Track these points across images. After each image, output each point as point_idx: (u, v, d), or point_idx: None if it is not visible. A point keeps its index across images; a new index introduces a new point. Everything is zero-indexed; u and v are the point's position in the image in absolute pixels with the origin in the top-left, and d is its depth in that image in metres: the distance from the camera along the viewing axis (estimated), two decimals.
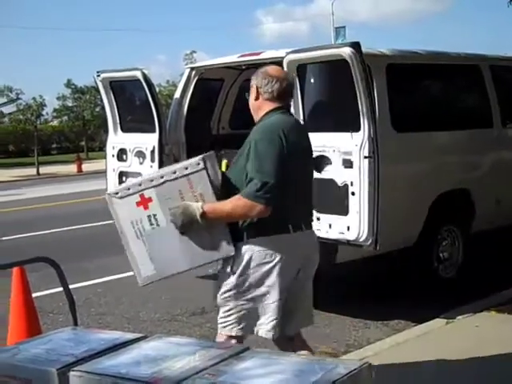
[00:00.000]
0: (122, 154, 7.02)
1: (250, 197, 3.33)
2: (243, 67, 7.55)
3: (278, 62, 5.74)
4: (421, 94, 6.74)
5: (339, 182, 5.31)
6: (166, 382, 2.20)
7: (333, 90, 5.89)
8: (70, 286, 4.00)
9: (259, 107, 3.63)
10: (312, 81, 5.83)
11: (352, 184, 5.22)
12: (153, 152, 6.64)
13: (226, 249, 3.50)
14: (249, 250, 3.48)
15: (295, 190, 3.50)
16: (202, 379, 2.21)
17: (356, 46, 5.04)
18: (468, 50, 7.35)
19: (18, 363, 2.47)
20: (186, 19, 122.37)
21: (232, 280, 3.54)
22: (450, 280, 6.62)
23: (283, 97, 3.58)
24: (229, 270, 3.55)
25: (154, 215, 3.50)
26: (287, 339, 3.77)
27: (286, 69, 5.52)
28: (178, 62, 68.93)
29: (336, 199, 5.37)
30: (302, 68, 5.57)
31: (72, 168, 29.28)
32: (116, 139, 7.10)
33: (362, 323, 5.83)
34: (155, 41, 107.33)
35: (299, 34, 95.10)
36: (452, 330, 5.33)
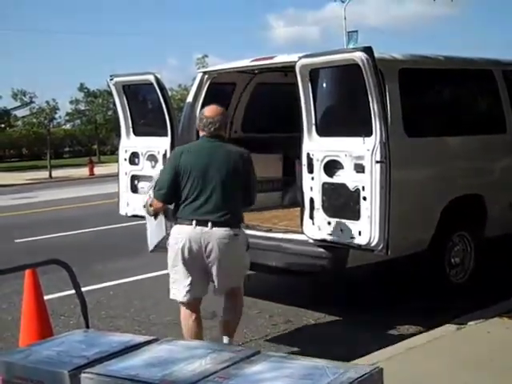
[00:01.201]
0: (134, 158, 7.03)
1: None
2: (256, 71, 7.56)
3: (291, 67, 5.76)
4: (433, 98, 6.71)
5: (351, 187, 5.30)
6: None
7: (345, 95, 5.88)
8: (82, 289, 4.02)
9: None
10: (324, 85, 5.82)
11: (364, 189, 5.20)
12: (165, 156, 6.64)
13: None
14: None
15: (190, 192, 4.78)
16: (212, 382, 2.22)
17: (368, 50, 5.03)
18: (482, 55, 7.31)
19: (31, 365, 2.49)
20: (197, 23, 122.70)
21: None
22: (461, 286, 6.58)
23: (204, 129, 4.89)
24: None
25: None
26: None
27: (298, 73, 5.53)
28: (190, 66, 69.08)
29: (347, 204, 5.36)
30: (314, 72, 5.57)
31: (84, 171, 29.42)
32: (128, 143, 7.12)
33: (372, 328, 5.80)
34: (167, 45, 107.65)
35: (311, 39, 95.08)
36: (463, 336, 5.30)
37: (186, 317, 4.94)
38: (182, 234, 4.74)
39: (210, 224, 4.66)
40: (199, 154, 4.85)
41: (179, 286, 4.88)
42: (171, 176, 4.80)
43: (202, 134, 4.91)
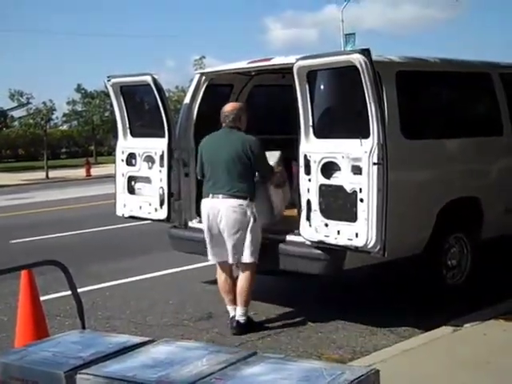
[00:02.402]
0: (131, 159, 7.02)
1: None
2: (253, 73, 7.55)
3: (288, 68, 5.77)
4: (430, 101, 6.73)
5: (348, 189, 5.30)
6: None
7: (342, 97, 5.88)
8: (78, 290, 4.00)
9: None
10: (322, 87, 5.82)
11: (361, 191, 5.20)
12: (162, 157, 6.64)
13: None
14: None
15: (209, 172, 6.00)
16: (209, 383, 2.22)
17: (366, 52, 5.04)
18: (480, 57, 7.33)
19: (26, 365, 2.49)
20: (194, 25, 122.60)
21: None
22: (457, 287, 6.59)
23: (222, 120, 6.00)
24: None
25: None
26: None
27: (295, 75, 5.53)
28: (187, 68, 69.00)
29: (345, 206, 5.36)
30: (311, 74, 5.57)
31: (81, 172, 29.40)
32: (125, 144, 7.11)
33: (368, 330, 5.81)
34: (164, 47, 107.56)
35: (308, 41, 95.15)
36: (459, 337, 5.31)
37: (218, 275, 6.13)
38: (204, 205, 6.00)
39: (220, 196, 5.83)
40: (214, 139, 6.09)
41: (207, 248, 6.04)
42: (199, 158, 6.19)
43: (222, 126, 6.03)
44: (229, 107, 6.07)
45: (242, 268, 5.95)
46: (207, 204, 5.96)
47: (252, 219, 5.79)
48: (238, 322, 5.90)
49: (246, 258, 5.84)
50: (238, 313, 5.91)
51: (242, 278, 5.92)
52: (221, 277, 6.07)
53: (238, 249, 5.82)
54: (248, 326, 5.90)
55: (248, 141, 5.87)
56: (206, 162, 6.04)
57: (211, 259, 6.10)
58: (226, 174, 5.85)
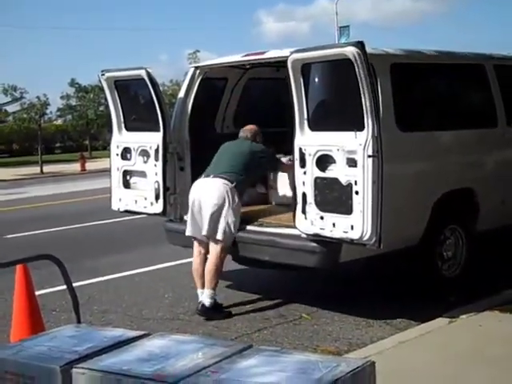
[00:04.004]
0: (126, 153, 7.00)
1: None
2: (247, 66, 7.54)
3: (283, 62, 5.75)
4: (425, 93, 6.72)
5: (343, 181, 5.30)
6: (169, 379, 2.20)
7: (337, 90, 5.87)
8: (73, 284, 3.99)
9: None
10: (316, 80, 5.81)
11: (356, 183, 5.20)
12: (157, 151, 6.62)
13: None
14: None
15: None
16: (204, 376, 2.22)
17: (360, 45, 5.03)
18: (473, 50, 7.32)
19: (22, 360, 2.48)
20: (187, 19, 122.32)
21: None
22: (453, 279, 6.60)
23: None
24: None
25: None
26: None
27: (290, 68, 5.52)
28: (180, 62, 68.86)
29: (340, 198, 5.36)
30: (306, 67, 5.55)
31: (76, 167, 29.34)
32: (120, 138, 7.09)
33: (364, 322, 5.82)
34: (157, 40, 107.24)
35: (302, 34, 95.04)
36: (455, 329, 5.32)
37: (193, 258, 6.37)
38: (194, 184, 6.41)
39: (211, 176, 6.26)
40: (230, 142, 6.63)
41: (187, 223, 6.37)
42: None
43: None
44: (250, 127, 6.71)
45: (212, 247, 6.15)
46: (196, 183, 6.38)
47: (231, 200, 6.08)
48: (203, 304, 6.00)
49: (218, 235, 6.06)
50: (204, 295, 6.06)
51: (211, 259, 6.13)
52: (196, 259, 6.29)
53: (213, 223, 6.07)
54: (213, 309, 6.01)
55: (255, 147, 6.51)
56: (216, 154, 6.49)
57: (188, 233, 6.29)
58: (226, 162, 6.33)
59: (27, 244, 10.05)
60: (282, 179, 7.01)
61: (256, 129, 6.68)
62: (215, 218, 6.07)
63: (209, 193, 6.17)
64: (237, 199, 6.15)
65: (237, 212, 6.14)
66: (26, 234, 11.34)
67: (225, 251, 6.15)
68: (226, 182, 6.15)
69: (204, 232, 6.12)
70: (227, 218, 6.06)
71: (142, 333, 2.72)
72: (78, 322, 3.63)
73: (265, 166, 6.64)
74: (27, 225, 12.19)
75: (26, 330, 4.67)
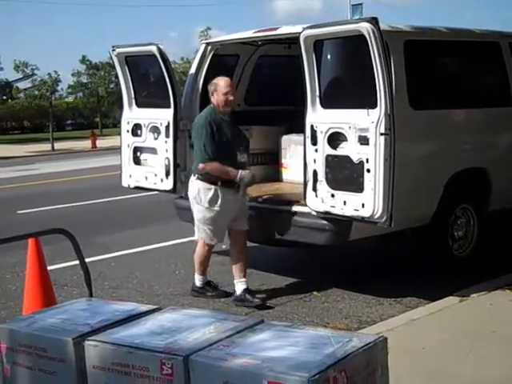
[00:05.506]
0: (136, 130, 6.99)
1: None
2: (259, 43, 7.48)
3: (295, 38, 5.70)
4: (439, 71, 6.65)
5: (355, 159, 5.27)
6: (180, 353, 2.21)
7: (350, 67, 5.83)
8: (85, 260, 4.01)
9: None
10: (329, 57, 5.76)
11: (367, 161, 5.17)
12: (167, 127, 6.61)
13: None
14: None
15: None
16: (216, 350, 2.22)
17: (374, 21, 4.97)
18: (488, 27, 7.22)
19: (35, 332, 2.49)
20: None
21: None
22: (464, 258, 6.59)
23: None
24: None
25: None
26: None
27: (302, 44, 5.47)
28: (190, 39, 68.47)
29: (351, 176, 5.34)
30: (318, 44, 5.51)
31: (86, 144, 29.36)
32: (131, 114, 7.07)
33: (375, 300, 5.83)
34: (167, 17, 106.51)
35: (314, 11, 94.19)
36: (466, 307, 5.32)
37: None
38: None
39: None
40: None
41: None
42: None
43: None
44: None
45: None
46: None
47: (197, 197, 5.86)
48: (193, 283, 6.17)
49: (197, 229, 6.03)
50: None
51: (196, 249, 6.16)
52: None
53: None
54: (201, 290, 6.14)
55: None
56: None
57: None
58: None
59: (39, 220, 10.09)
60: (294, 156, 6.99)
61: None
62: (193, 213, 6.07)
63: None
64: (202, 195, 5.81)
65: (202, 208, 5.84)
66: (38, 209, 11.39)
67: (202, 244, 6.02)
68: (193, 177, 5.97)
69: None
70: (196, 213, 5.96)
71: (154, 307, 2.73)
72: (90, 295, 3.65)
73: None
74: (39, 201, 12.23)
75: (38, 304, 4.69)
